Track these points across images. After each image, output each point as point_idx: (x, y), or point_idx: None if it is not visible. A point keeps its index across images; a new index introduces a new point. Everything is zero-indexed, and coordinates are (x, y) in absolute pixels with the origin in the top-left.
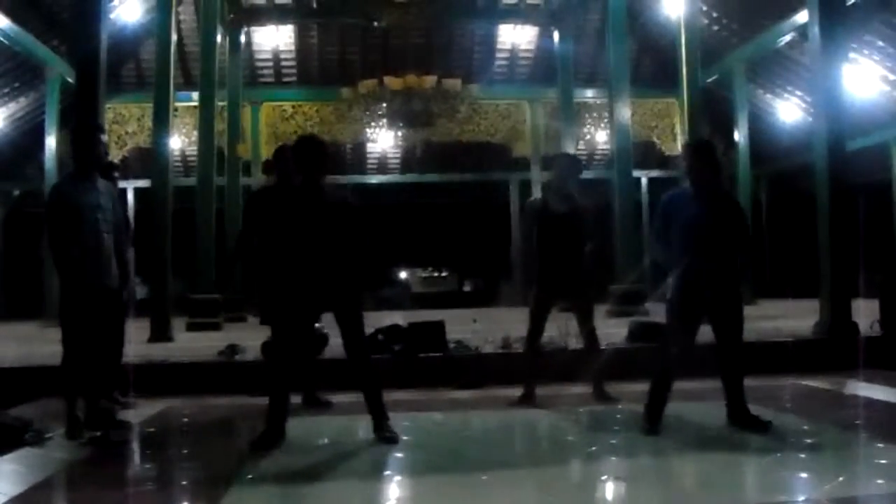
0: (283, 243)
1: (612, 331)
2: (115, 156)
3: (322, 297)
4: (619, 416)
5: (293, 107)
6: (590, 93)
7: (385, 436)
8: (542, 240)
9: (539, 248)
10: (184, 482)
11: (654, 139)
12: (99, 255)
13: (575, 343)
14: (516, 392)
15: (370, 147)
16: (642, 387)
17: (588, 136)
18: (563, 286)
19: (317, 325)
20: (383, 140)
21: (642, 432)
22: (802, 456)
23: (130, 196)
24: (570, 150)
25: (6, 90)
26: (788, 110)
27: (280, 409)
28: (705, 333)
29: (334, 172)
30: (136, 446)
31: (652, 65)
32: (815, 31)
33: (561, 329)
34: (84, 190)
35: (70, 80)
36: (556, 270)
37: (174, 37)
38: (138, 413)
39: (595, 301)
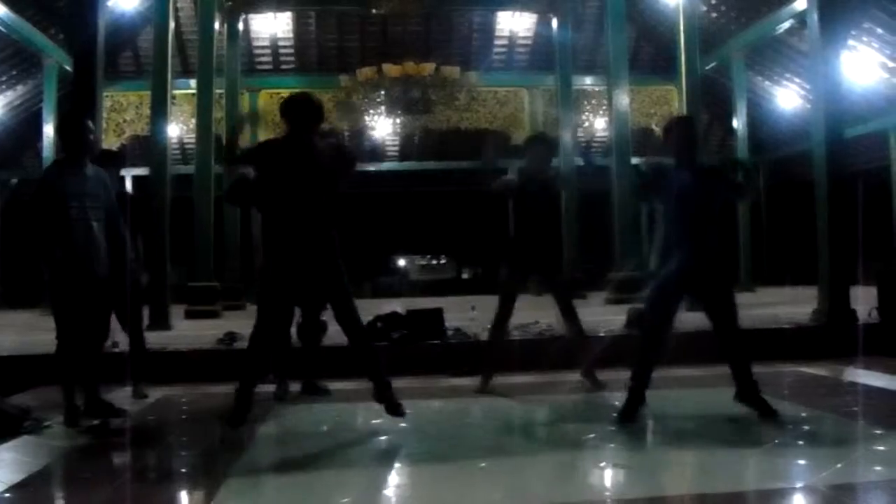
0: (272, 202)
1: (611, 318)
2: (112, 144)
3: (307, 261)
4: (617, 402)
5: (291, 94)
6: (588, 80)
7: (391, 407)
8: (514, 221)
9: (512, 228)
10: (182, 470)
11: (653, 126)
12: (87, 242)
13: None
14: (514, 379)
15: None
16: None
17: (587, 123)
18: (532, 265)
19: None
20: (381, 127)
21: (618, 422)
22: (800, 443)
23: (129, 184)
24: (566, 134)
25: (3, 78)
26: (787, 97)
27: (248, 391)
28: (705, 323)
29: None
30: (134, 435)
31: (651, 52)
32: (814, 18)
33: (559, 317)
34: (71, 177)
35: (67, 68)
36: (526, 250)
37: (172, 24)
38: (137, 401)
39: (570, 286)
